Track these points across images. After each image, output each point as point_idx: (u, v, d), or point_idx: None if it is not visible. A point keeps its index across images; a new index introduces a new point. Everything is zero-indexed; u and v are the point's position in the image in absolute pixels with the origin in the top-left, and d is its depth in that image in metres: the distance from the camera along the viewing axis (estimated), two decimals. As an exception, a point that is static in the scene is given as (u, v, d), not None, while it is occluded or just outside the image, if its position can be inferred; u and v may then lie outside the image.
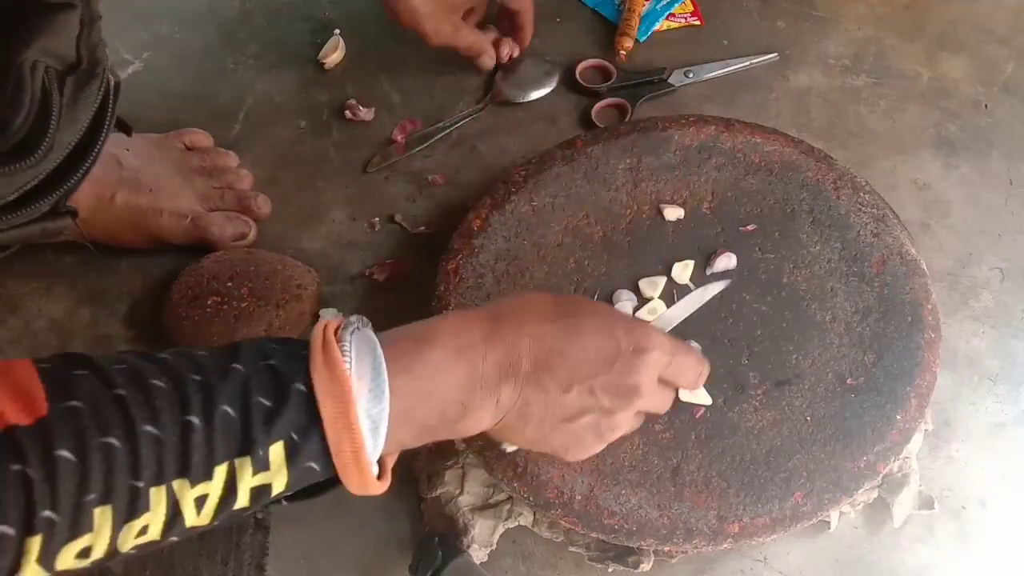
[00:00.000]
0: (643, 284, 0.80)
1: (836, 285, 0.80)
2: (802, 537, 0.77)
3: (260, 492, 0.51)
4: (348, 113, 0.98)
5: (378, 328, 0.86)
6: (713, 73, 0.99)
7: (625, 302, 0.79)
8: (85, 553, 0.47)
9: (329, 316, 0.87)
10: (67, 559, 0.47)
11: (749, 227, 0.83)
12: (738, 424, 0.75)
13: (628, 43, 1.00)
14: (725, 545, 0.71)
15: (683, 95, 0.98)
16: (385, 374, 0.53)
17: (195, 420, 0.49)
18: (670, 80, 0.98)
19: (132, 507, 0.47)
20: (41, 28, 0.61)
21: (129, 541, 0.48)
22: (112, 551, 0.48)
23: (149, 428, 0.48)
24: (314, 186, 0.95)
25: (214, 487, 0.49)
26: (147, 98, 0.99)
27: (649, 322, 0.63)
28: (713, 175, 0.85)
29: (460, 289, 0.81)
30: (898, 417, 0.74)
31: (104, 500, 0.46)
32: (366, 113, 0.98)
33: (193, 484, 0.49)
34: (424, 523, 0.78)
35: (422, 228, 0.92)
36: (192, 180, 0.90)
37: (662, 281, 0.80)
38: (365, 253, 0.91)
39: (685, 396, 0.75)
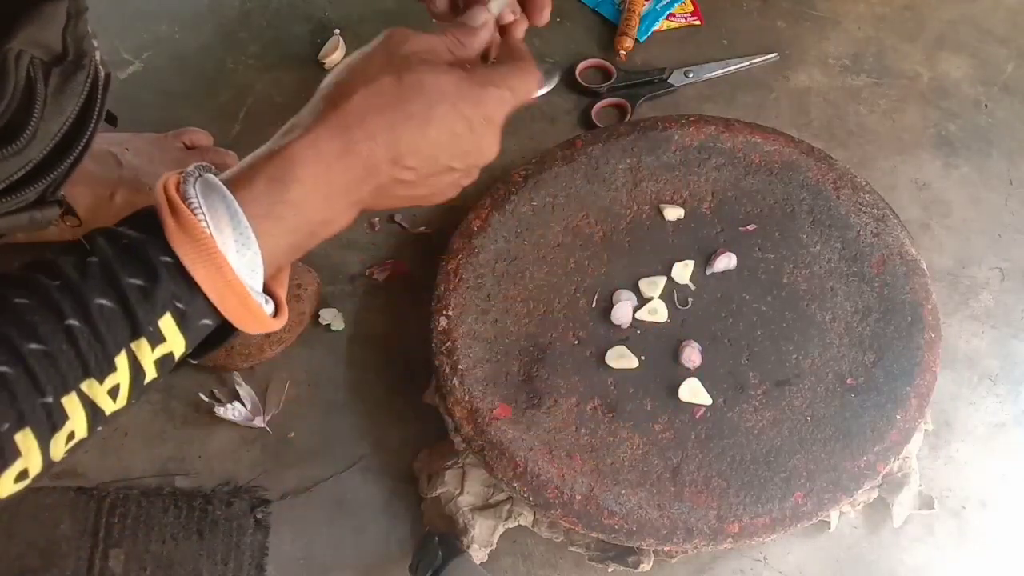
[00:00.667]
0: (643, 284, 0.80)
1: (836, 285, 0.80)
2: (802, 537, 0.77)
3: (164, 361, 0.52)
4: (348, 113, 0.98)
5: (382, 323, 0.86)
6: (713, 73, 0.99)
7: (625, 302, 0.79)
8: (23, 476, 0.48)
9: (329, 317, 0.87)
10: (6, 486, 0.48)
11: (749, 227, 0.83)
12: (738, 424, 0.75)
13: (628, 43, 1.00)
14: (725, 545, 0.71)
15: (683, 95, 0.98)
16: (245, 220, 0.52)
17: (74, 322, 0.48)
18: (670, 80, 0.98)
19: (51, 422, 0.48)
20: (27, 18, 0.61)
21: (60, 450, 0.49)
22: (48, 464, 0.49)
23: (34, 345, 0.47)
24: (314, 186, 0.95)
25: (121, 376, 0.50)
26: (147, 98, 0.99)
27: (490, 83, 0.61)
28: (713, 175, 0.85)
29: (460, 289, 0.81)
30: (898, 417, 0.74)
31: (20, 425, 0.47)
32: (366, 113, 0.98)
33: (101, 380, 0.49)
34: (424, 523, 0.78)
35: (422, 228, 0.92)
36: (192, 180, 0.90)
37: (662, 281, 0.80)
38: (365, 253, 0.91)
39: (685, 396, 0.75)
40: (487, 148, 0.62)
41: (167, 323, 0.51)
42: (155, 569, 0.77)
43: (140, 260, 0.50)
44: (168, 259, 0.51)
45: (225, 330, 0.55)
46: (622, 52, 1.00)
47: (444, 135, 0.59)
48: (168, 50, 1.04)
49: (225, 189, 0.53)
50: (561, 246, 0.83)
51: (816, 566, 0.77)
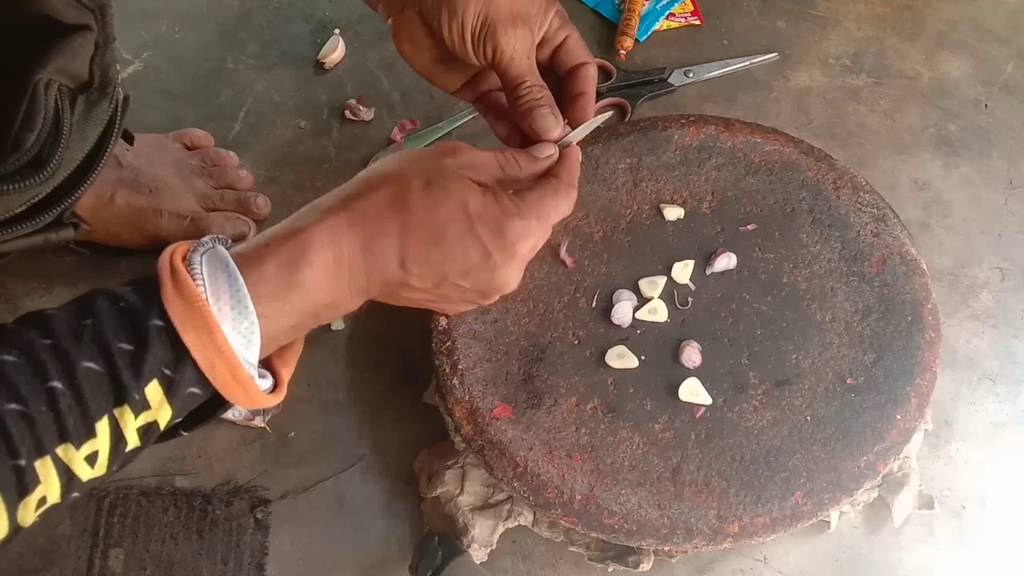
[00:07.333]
0: (643, 284, 0.80)
1: (836, 285, 0.80)
2: (802, 537, 0.77)
3: (149, 429, 0.51)
4: (348, 113, 0.98)
5: (382, 323, 0.85)
6: (713, 73, 0.99)
7: (625, 302, 0.79)
8: None
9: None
10: None
11: (749, 227, 0.83)
12: (738, 424, 0.75)
13: (628, 43, 1.00)
14: (725, 545, 0.71)
15: (683, 95, 0.98)
16: (245, 290, 0.52)
17: (58, 384, 0.47)
18: (670, 80, 0.98)
19: (21, 486, 0.46)
20: (58, 49, 0.62)
21: (30, 515, 0.48)
22: (14, 529, 0.47)
23: (13, 406, 0.46)
24: (314, 186, 0.95)
25: (101, 442, 0.49)
26: (147, 98, 0.99)
27: (517, 214, 0.60)
28: (713, 175, 0.85)
29: (460, 289, 0.81)
30: (898, 417, 0.74)
31: None
32: (366, 113, 0.98)
33: (78, 446, 0.48)
34: (424, 523, 0.78)
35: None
36: (192, 181, 0.90)
37: (662, 281, 0.80)
38: (365, 253, 0.91)
39: (685, 396, 0.75)
40: (502, 279, 0.62)
41: (153, 390, 0.50)
42: (155, 569, 0.77)
43: (133, 324, 0.50)
44: (160, 323, 0.50)
45: (218, 402, 0.54)
46: (622, 52, 1.00)
47: (455, 253, 0.59)
48: (168, 50, 1.04)
49: (229, 259, 0.53)
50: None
51: (816, 566, 0.77)
